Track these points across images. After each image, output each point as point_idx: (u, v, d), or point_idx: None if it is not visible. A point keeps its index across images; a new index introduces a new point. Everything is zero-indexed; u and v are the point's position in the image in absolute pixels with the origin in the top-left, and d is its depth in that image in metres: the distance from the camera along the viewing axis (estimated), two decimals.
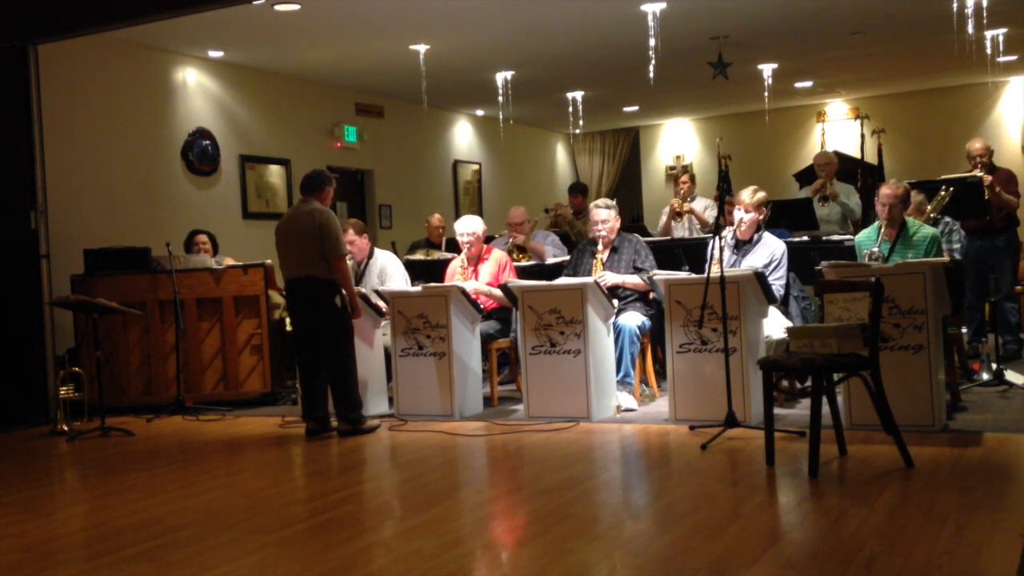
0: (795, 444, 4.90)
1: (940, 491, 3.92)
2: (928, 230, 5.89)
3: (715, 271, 5.49)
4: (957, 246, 6.47)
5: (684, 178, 9.10)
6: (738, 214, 6.23)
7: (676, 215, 8.82)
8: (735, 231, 6.24)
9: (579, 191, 10.08)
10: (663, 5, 8.35)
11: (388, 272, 7.13)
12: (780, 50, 10.60)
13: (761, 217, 6.28)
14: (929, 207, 6.53)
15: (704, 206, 8.87)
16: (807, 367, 4.40)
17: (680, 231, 8.88)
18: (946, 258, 6.04)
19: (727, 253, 6.16)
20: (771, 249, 6.17)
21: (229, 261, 7.82)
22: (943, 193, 6.60)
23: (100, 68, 8.66)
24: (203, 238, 8.06)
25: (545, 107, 13.24)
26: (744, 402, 5.49)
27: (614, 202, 6.86)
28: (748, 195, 6.22)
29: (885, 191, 5.85)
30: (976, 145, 7.60)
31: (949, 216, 6.65)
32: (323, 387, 6.10)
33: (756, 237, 6.25)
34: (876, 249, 5.78)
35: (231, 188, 9.94)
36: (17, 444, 6.53)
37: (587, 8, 8.48)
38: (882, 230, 5.87)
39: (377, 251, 7.30)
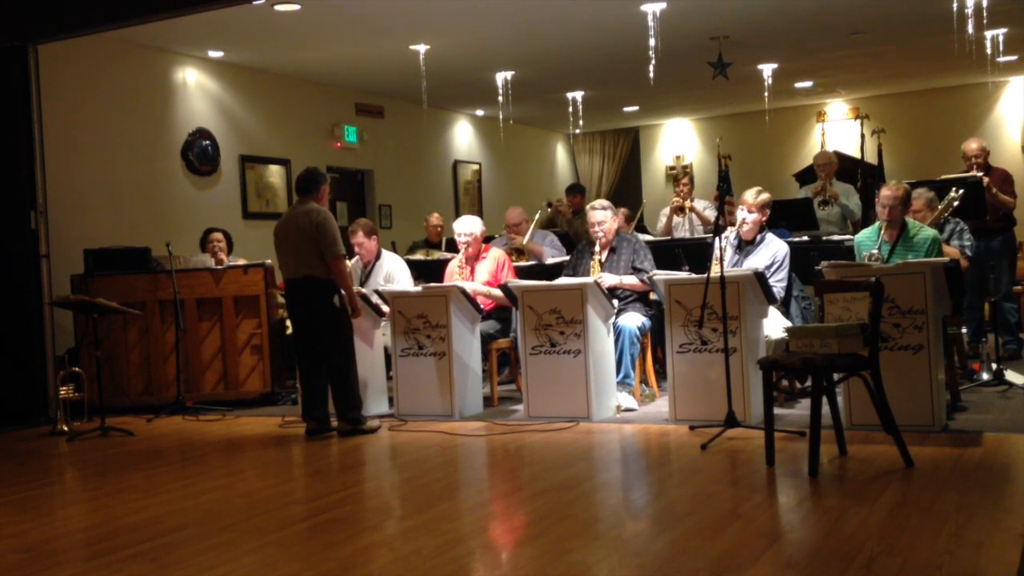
0: (795, 444, 4.90)
1: (940, 491, 3.92)
2: (929, 232, 5.87)
3: (715, 271, 5.49)
4: (968, 243, 6.44)
5: (684, 180, 9.25)
6: (741, 214, 6.23)
7: (679, 210, 8.87)
8: (738, 231, 6.24)
9: (577, 191, 10.14)
10: (663, 5, 8.35)
11: (394, 276, 7.11)
12: (780, 50, 10.60)
13: (764, 218, 6.28)
14: (940, 206, 6.50)
15: (703, 206, 8.95)
16: (807, 367, 4.40)
17: (681, 231, 8.91)
18: (957, 254, 6.04)
19: (730, 253, 6.16)
20: (774, 250, 6.16)
21: (243, 262, 7.82)
22: (953, 194, 6.57)
23: (100, 68, 8.66)
24: (218, 236, 8.05)
25: (545, 107, 13.24)
26: (744, 402, 5.49)
27: (616, 205, 6.86)
28: (752, 195, 6.22)
29: (885, 192, 5.83)
30: (972, 145, 7.60)
31: (949, 215, 6.63)
32: (323, 387, 6.10)
33: (759, 238, 6.25)
34: (875, 251, 5.77)
35: (231, 188, 9.94)
36: (17, 444, 6.53)
37: (587, 8, 8.48)
38: (882, 231, 5.86)
39: (385, 254, 7.29)
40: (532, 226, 8.33)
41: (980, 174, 7.22)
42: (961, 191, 6.61)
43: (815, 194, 8.28)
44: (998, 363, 6.46)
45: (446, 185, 13.33)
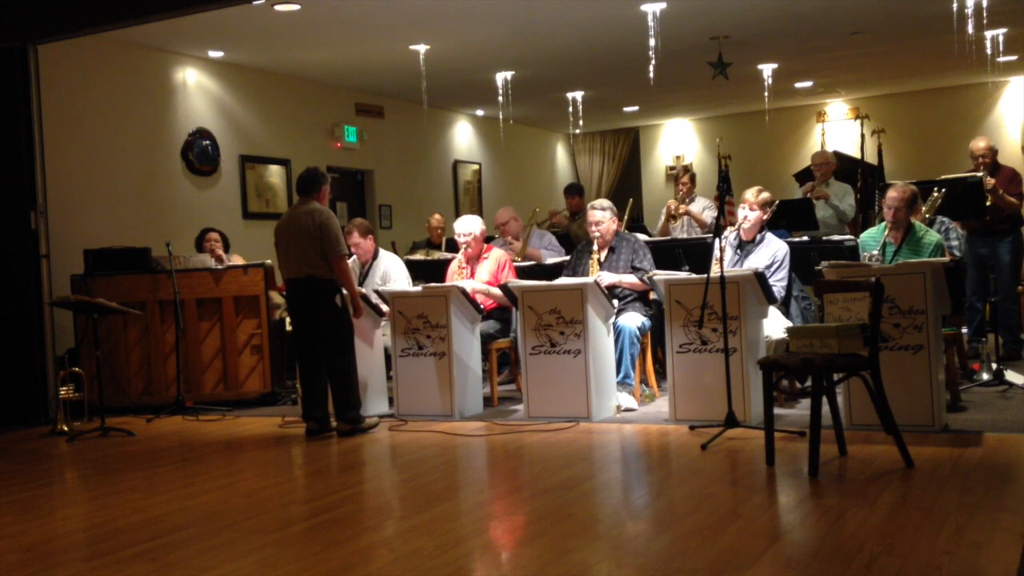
0: (795, 444, 4.91)
1: (940, 491, 3.92)
2: (934, 236, 5.82)
3: (715, 271, 5.49)
4: (955, 243, 6.43)
5: (684, 179, 8.97)
6: (742, 212, 6.22)
7: (672, 217, 8.82)
8: (738, 230, 6.23)
9: (576, 191, 10.05)
10: (663, 5, 8.35)
11: (392, 275, 7.12)
12: (780, 50, 10.60)
13: (765, 217, 6.28)
14: (924, 207, 6.50)
15: (703, 207, 8.80)
16: (807, 367, 4.40)
17: (678, 232, 8.88)
18: (947, 257, 6.03)
19: (729, 253, 6.16)
20: (773, 250, 6.16)
21: (237, 259, 7.82)
22: (936, 194, 6.57)
23: (100, 68, 8.66)
24: (215, 235, 8.07)
25: (545, 107, 13.25)
26: (744, 402, 5.49)
27: (616, 205, 6.85)
28: (752, 194, 6.22)
29: (891, 194, 5.78)
30: (979, 144, 7.51)
31: (947, 216, 6.62)
32: (323, 387, 6.10)
33: (759, 237, 6.25)
34: (876, 252, 5.76)
35: (231, 188, 9.94)
36: (17, 444, 6.53)
37: (587, 8, 8.48)
38: (887, 232, 5.84)
39: (382, 253, 7.30)
40: (529, 228, 8.32)
41: (980, 174, 7.19)
42: (944, 190, 6.58)
43: (805, 193, 8.23)
44: (998, 363, 6.46)
45: (446, 185, 13.33)
